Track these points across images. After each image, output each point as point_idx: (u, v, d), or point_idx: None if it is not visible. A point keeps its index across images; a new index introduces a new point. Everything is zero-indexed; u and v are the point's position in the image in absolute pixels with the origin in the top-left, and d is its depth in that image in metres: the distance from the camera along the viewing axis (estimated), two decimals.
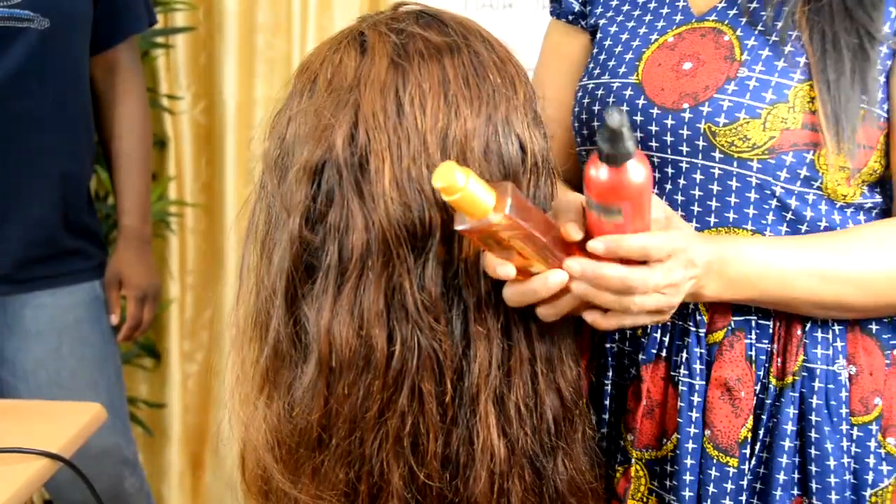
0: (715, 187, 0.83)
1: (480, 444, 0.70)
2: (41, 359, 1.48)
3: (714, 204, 0.83)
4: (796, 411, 0.82)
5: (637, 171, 0.66)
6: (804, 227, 0.82)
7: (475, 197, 0.63)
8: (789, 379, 0.82)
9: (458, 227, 0.65)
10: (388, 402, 0.68)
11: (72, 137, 1.49)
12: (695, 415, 0.83)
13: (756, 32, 0.83)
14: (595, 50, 0.94)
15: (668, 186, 0.85)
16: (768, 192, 0.82)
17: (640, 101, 0.86)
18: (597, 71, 0.91)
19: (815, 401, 0.82)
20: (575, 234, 0.70)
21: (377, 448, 0.69)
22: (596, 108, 0.89)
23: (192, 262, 2.25)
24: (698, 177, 0.84)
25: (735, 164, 0.82)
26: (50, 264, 1.48)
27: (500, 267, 0.67)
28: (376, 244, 0.67)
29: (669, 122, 0.84)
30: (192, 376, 2.27)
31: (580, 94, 0.92)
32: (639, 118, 0.86)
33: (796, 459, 0.83)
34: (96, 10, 1.49)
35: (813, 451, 0.82)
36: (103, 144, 1.61)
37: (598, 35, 0.94)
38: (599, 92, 0.89)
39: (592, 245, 0.69)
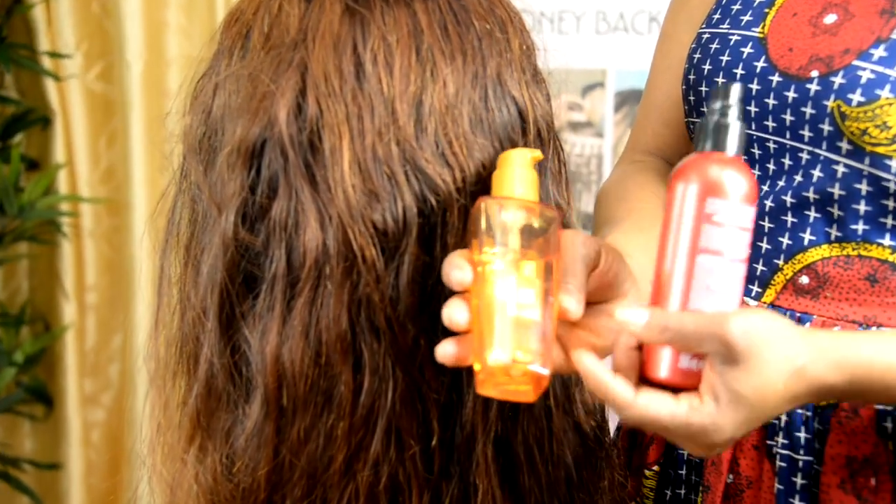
0: (836, 191, 0.79)
1: (479, 500, 0.70)
2: None
3: (836, 212, 0.79)
4: None
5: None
6: None
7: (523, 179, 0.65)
8: None
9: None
10: (358, 449, 0.68)
11: None
12: (797, 503, 0.80)
13: None
14: None
15: (781, 183, 0.82)
16: None
17: (760, 64, 0.82)
18: (716, 16, 0.88)
19: None
20: (574, 307, 0.62)
21: None
22: (706, 67, 0.86)
23: (94, 275, 2.24)
24: (817, 174, 0.79)
25: (867, 160, 0.77)
26: None
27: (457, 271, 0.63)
28: (335, 245, 0.67)
29: (791, 94, 0.80)
30: (96, 426, 2.27)
31: (693, 46, 0.89)
32: (755, 86, 0.82)
33: None
34: None
35: None
36: None
37: None
38: (713, 46, 0.87)
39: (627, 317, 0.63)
